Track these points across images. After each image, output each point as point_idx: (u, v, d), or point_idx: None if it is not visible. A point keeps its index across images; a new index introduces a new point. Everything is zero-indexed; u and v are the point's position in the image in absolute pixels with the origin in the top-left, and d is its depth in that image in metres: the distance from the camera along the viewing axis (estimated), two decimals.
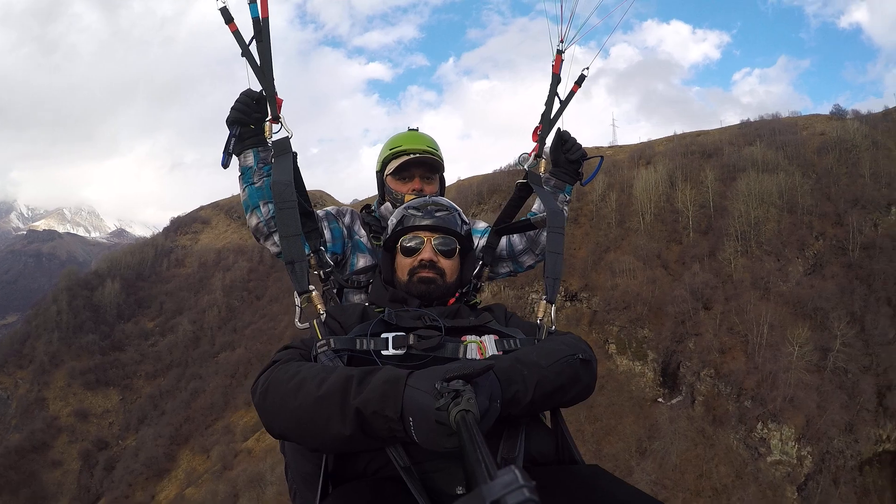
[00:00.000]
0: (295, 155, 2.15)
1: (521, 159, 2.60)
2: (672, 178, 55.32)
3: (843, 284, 40.25)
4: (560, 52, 2.69)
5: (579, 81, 2.76)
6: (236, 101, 2.22)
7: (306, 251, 2.15)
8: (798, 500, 31.76)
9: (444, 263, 1.99)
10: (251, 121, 2.24)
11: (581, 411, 35.96)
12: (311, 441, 1.45)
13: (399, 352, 1.63)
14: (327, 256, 2.42)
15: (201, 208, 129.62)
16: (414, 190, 2.62)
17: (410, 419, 1.24)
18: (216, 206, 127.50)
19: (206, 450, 56.25)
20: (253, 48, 2.21)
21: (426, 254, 1.96)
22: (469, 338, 1.71)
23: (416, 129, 2.87)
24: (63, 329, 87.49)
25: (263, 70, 2.20)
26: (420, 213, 2.02)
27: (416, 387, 1.26)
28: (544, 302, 1.99)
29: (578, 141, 2.60)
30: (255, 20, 2.20)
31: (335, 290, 2.49)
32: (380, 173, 2.78)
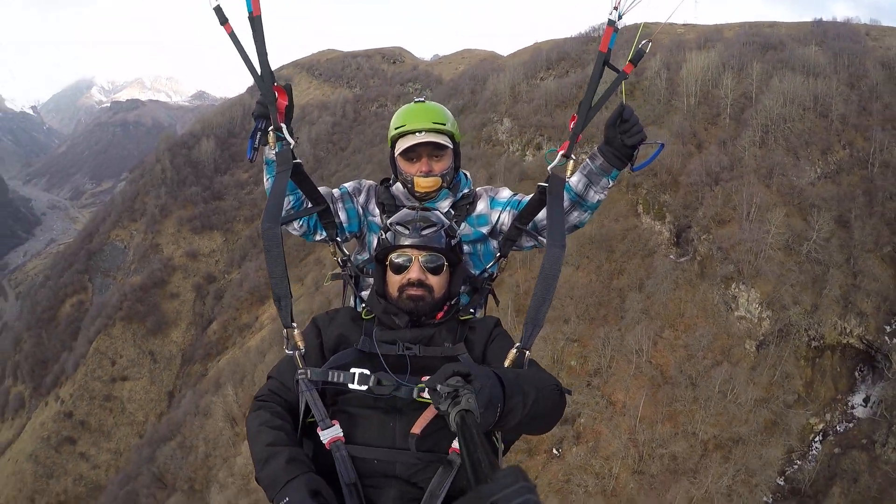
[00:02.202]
0: (298, 165, 2.35)
1: (548, 157, 2.28)
2: (726, 64, 58.87)
3: (848, 193, 44.20)
4: (612, 24, 2.16)
5: (635, 60, 2.19)
6: (261, 94, 2.30)
7: (323, 235, 2.79)
8: (754, 353, 38.69)
9: (432, 280, 2.14)
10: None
11: (601, 253, 46.13)
12: None
13: (362, 388, 1.92)
14: (342, 246, 2.78)
15: (282, 67, 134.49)
16: (421, 171, 2.66)
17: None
18: (297, 65, 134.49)
19: (300, 278, 64.77)
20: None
21: (413, 273, 2.12)
22: (427, 380, 1.80)
23: (423, 101, 2.80)
24: (168, 184, 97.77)
25: (262, 76, 2.26)
26: (407, 231, 2.13)
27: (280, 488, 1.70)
28: (514, 351, 1.96)
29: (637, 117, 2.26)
30: (250, 17, 2.19)
31: (352, 277, 2.80)
32: (391, 150, 2.79)
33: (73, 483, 65.92)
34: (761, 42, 64.36)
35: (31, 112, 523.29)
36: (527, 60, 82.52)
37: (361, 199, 2.91)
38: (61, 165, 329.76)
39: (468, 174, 3.00)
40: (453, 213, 2.79)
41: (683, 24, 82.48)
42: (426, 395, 1.78)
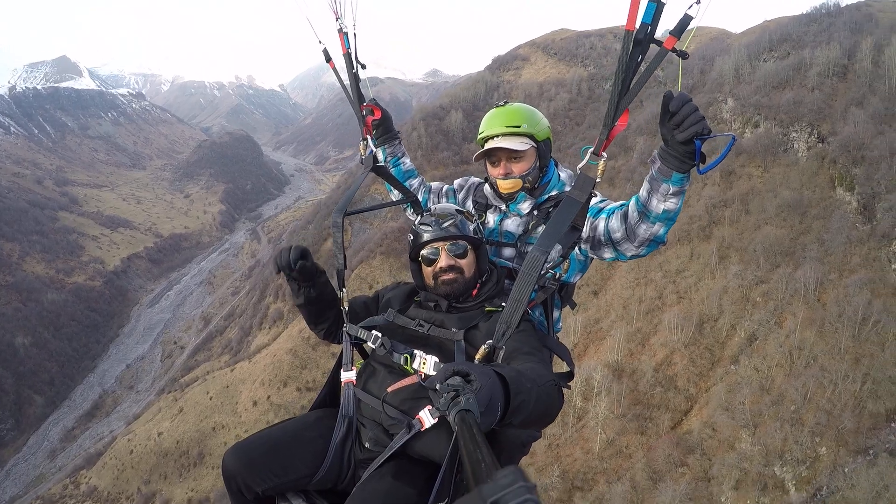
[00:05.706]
0: (380, 167, 3.24)
1: (582, 154, 2.13)
2: None
3: None
4: None
5: (677, 31, 1.81)
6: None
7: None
8: None
9: (462, 263, 2.61)
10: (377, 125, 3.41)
11: (796, 216, 55.65)
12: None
13: (374, 346, 2.57)
14: None
15: (519, 47, 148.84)
16: (501, 174, 2.99)
17: None
18: (533, 45, 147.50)
19: None
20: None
21: (443, 262, 2.60)
22: (418, 352, 2.45)
23: (504, 104, 3.03)
24: (423, 148, 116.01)
25: (352, 102, 3.19)
26: (430, 227, 2.62)
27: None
28: (484, 348, 2.10)
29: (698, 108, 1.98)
30: (345, 55, 3.10)
31: None
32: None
33: (322, 375, 77.98)
34: None
35: (278, 89, 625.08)
36: (752, 41, 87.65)
37: (461, 196, 3.46)
38: (307, 135, 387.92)
39: (565, 175, 3.14)
40: (535, 214, 3.01)
41: None
42: (412, 366, 2.44)
